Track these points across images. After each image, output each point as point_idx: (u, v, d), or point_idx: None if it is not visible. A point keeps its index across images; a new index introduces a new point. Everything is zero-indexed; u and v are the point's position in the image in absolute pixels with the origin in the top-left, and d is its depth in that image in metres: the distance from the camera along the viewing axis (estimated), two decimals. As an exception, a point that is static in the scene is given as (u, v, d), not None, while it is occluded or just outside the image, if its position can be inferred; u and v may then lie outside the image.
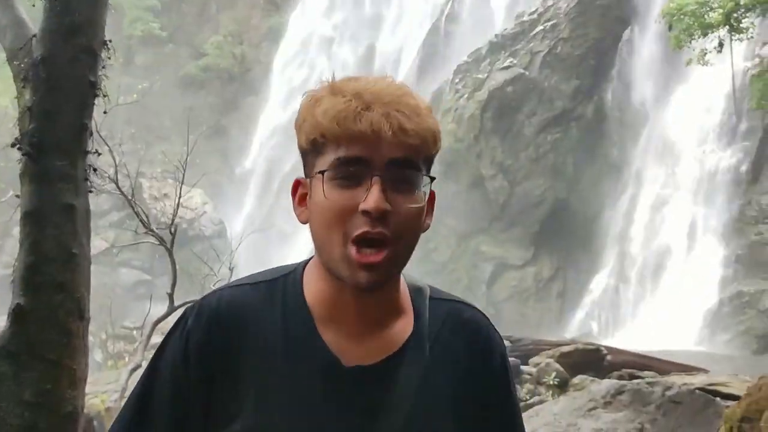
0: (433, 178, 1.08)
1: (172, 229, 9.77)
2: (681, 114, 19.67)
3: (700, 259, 18.15)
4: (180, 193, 10.70)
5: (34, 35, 3.27)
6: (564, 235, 20.75)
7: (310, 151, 1.03)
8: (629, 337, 16.60)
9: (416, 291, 1.13)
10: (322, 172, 0.99)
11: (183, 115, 17.91)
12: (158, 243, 9.79)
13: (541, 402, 7.20)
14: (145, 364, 1.19)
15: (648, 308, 18.69)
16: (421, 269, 21.40)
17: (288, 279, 1.10)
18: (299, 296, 1.07)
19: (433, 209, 1.12)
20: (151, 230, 9.65)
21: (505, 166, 20.90)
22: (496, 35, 21.83)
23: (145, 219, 9.70)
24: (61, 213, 3.01)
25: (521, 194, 20.92)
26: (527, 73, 20.72)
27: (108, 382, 9.67)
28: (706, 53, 13.05)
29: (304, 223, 1.05)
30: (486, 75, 21.12)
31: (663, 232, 19.21)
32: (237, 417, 1.03)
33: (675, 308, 17.46)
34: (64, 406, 2.88)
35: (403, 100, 1.01)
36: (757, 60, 17.02)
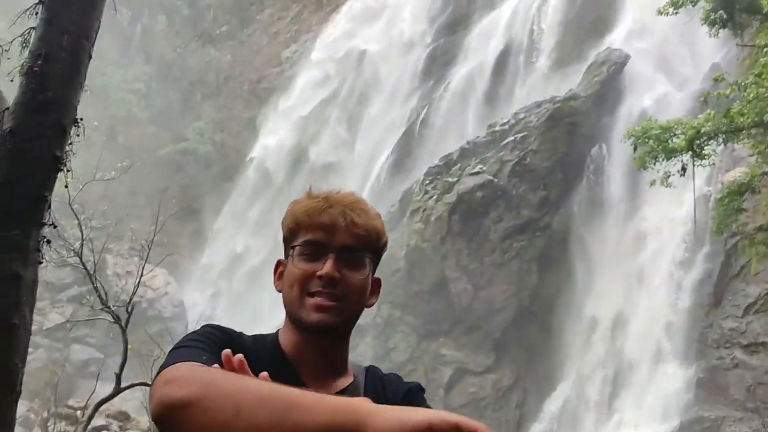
0: (376, 262, 1.46)
1: (129, 308, 9.64)
2: (645, 232, 20.13)
3: (663, 379, 17.95)
4: (142, 272, 10.63)
5: (7, 108, 3.37)
6: (526, 343, 20.63)
7: (288, 238, 1.44)
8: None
9: (358, 367, 1.54)
10: (293, 247, 1.40)
11: (157, 196, 18.00)
12: (113, 321, 9.61)
13: None
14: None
15: (608, 426, 18.39)
16: (380, 367, 21.02)
17: (267, 337, 1.47)
18: (279, 348, 1.43)
19: (378, 292, 1.49)
20: (108, 307, 9.50)
21: (470, 270, 21.05)
22: (468, 142, 22.59)
23: (104, 295, 9.57)
24: (6, 282, 3.00)
25: (485, 299, 20.95)
26: (496, 180, 21.31)
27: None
28: (669, 176, 13.19)
29: (279, 291, 1.44)
30: (456, 179, 21.68)
31: (626, 349, 19.04)
32: None
33: (636, 428, 17.23)
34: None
35: (357, 205, 1.42)
36: (719, 185, 17.47)
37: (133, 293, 9.86)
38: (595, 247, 20.90)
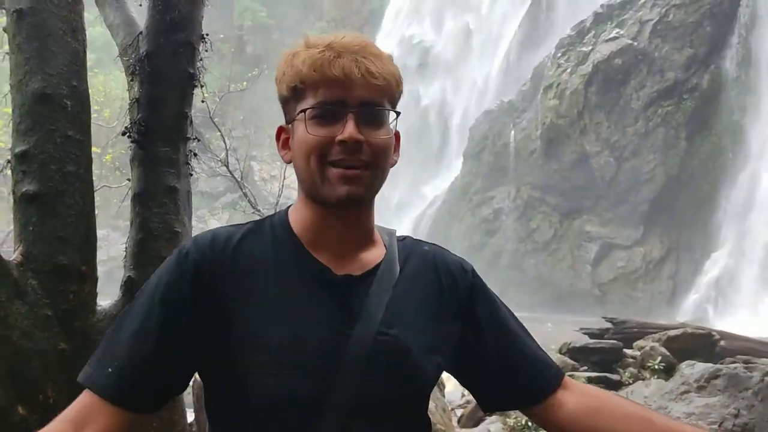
0: (398, 113, 1.19)
1: (277, 210, 10.28)
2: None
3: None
4: (284, 175, 11.17)
5: (141, 32, 3.55)
6: (676, 213, 19.74)
7: (291, 98, 1.17)
8: (749, 322, 15.64)
9: (386, 232, 1.30)
10: (304, 111, 1.14)
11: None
12: (264, 223, 10.31)
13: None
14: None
15: (771, 291, 17.52)
16: (522, 248, 21.13)
17: (274, 218, 1.25)
18: (287, 227, 1.21)
19: (398, 148, 1.24)
20: (258, 210, 10.18)
21: (612, 142, 20.10)
22: (601, 5, 20.94)
23: (253, 200, 10.24)
24: (165, 195, 3.29)
25: (629, 171, 20.07)
26: (635, 43, 19.75)
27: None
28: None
29: (288, 162, 1.21)
30: (590, 48, 20.33)
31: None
32: (230, 328, 1.12)
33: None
34: (169, 369, 3.17)
35: (368, 49, 1.15)
36: None
37: (279, 195, 10.46)
38: (753, 105, 19.09)
